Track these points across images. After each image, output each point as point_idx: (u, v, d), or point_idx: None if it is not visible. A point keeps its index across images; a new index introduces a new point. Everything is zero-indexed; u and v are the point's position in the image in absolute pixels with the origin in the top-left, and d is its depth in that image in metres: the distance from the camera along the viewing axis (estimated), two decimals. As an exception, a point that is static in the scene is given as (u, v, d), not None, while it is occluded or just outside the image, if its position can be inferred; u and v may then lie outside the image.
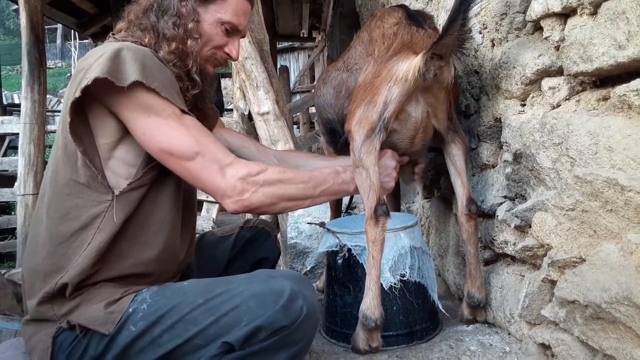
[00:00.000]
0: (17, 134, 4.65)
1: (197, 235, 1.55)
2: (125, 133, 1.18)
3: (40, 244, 1.20)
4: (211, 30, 1.32)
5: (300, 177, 1.30)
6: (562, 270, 1.19)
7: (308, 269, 2.41)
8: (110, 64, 1.09)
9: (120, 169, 1.19)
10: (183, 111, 1.18)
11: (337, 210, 2.28)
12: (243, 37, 1.44)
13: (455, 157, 1.58)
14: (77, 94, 1.09)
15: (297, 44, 15.61)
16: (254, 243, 1.66)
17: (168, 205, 1.26)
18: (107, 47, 1.14)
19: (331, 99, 1.73)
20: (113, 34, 1.32)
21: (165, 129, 1.14)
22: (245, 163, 1.23)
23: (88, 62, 1.14)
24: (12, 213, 5.95)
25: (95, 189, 1.17)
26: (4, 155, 6.99)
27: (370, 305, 1.40)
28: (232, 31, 1.36)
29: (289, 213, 2.66)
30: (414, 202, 2.78)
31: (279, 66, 8.37)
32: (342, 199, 2.32)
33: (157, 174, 1.22)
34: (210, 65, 1.39)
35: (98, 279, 1.18)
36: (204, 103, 1.40)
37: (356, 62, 1.63)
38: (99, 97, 1.14)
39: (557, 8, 1.19)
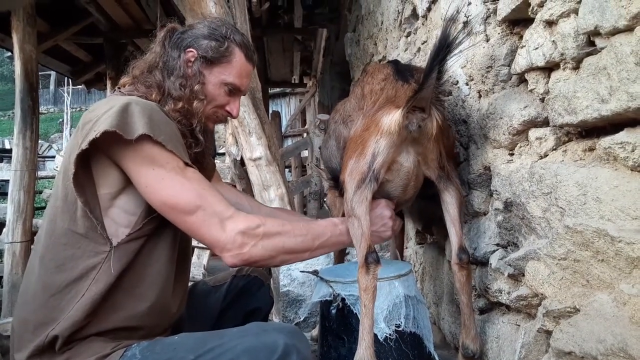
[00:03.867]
0: (7, 180, 4.63)
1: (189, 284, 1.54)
2: (127, 184, 1.19)
3: (31, 294, 1.19)
4: (214, 91, 1.36)
5: (298, 230, 1.30)
6: (557, 321, 1.18)
7: (301, 319, 2.37)
8: (119, 117, 1.12)
9: (121, 217, 1.19)
10: (186, 164, 1.19)
11: (340, 256, 2.27)
12: (244, 95, 1.48)
13: (449, 206, 1.59)
14: (85, 146, 1.11)
15: (288, 90, 15.90)
16: (246, 292, 1.64)
17: (164, 258, 1.26)
18: (116, 101, 1.17)
19: (334, 151, 1.79)
20: (119, 88, 1.35)
21: (167, 182, 1.15)
22: (245, 216, 1.23)
23: (95, 115, 1.16)
24: (-1, 261, 5.84)
25: (93, 239, 1.17)
26: (-7, 201, 6.94)
27: (363, 356, 1.38)
28: (235, 91, 1.40)
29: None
30: (406, 248, 2.78)
31: (270, 111, 8.49)
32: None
33: (155, 226, 1.22)
34: (211, 122, 1.43)
35: (89, 333, 1.16)
36: (204, 158, 1.43)
37: (350, 114, 1.70)
38: (105, 148, 1.15)
39: (541, 62, 1.24)
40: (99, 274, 1.15)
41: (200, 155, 1.38)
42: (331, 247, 1.44)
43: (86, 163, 1.17)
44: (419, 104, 1.40)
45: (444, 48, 1.27)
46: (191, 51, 1.34)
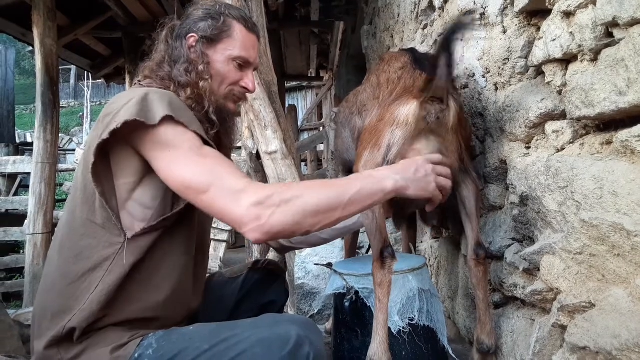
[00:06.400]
0: (29, 173, 4.72)
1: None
2: (145, 174, 1.20)
3: (50, 283, 1.21)
4: (224, 68, 1.36)
5: (320, 187, 1.16)
6: (572, 315, 1.17)
7: (315, 311, 2.39)
8: (139, 107, 1.14)
9: (137, 210, 1.20)
10: (205, 142, 1.19)
11: (352, 249, 2.26)
12: (256, 69, 1.46)
13: (466, 199, 1.57)
14: (105, 136, 1.13)
15: (305, 83, 15.88)
16: (262, 285, 1.65)
17: (179, 252, 1.27)
18: (135, 93, 1.19)
19: (350, 143, 1.77)
20: (139, 81, 1.37)
21: (182, 161, 1.14)
22: (259, 186, 1.13)
23: (116, 107, 1.18)
24: (21, 252, 5.97)
25: (109, 230, 1.19)
26: (15, 194, 7.07)
27: (377, 350, 1.38)
28: (245, 65, 1.40)
29: (296, 252, 2.64)
30: (422, 242, 2.77)
31: (287, 105, 8.49)
32: (357, 238, 2.30)
33: (171, 222, 1.23)
34: (230, 102, 1.41)
35: (106, 323, 1.18)
36: (227, 136, 1.43)
37: (365, 104, 1.67)
38: (126, 138, 1.17)
39: (558, 54, 1.22)
40: (113, 265, 1.17)
41: (223, 134, 1.39)
42: (368, 198, 1.18)
43: (105, 154, 1.19)
44: (436, 94, 1.38)
45: (451, 34, 1.24)
46: (192, 36, 1.36)
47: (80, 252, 1.19)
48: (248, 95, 1.46)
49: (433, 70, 1.31)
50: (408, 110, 1.42)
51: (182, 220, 1.25)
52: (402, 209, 1.74)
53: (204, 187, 1.13)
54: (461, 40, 1.27)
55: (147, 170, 1.20)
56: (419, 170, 1.23)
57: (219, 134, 1.38)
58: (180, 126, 1.16)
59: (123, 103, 1.17)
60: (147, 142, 1.16)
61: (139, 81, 1.38)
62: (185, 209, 1.25)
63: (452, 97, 1.44)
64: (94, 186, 1.16)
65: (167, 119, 1.14)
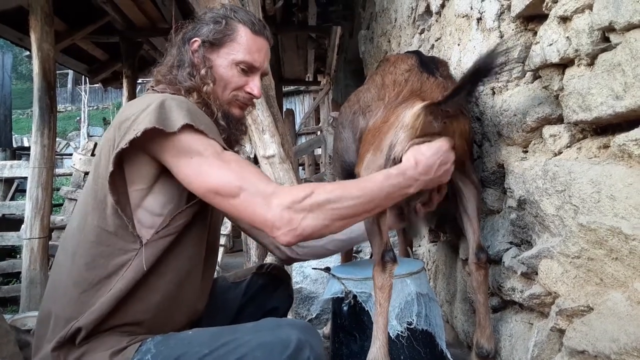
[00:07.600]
0: (26, 177, 4.70)
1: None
2: (155, 181, 1.20)
3: (62, 290, 1.21)
4: (227, 73, 1.35)
5: (351, 192, 1.18)
6: (571, 319, 1.17)
7: (314, 315, 2.38)
8: (157, 114, 1.13)
9: (146, 218, 1.20)
10: (224, 148, 1.19)
11: (348, 254, 2.26)
12: (265, 74, 1.43)
13: (467, 203, 1.56)
14: (124, 145, 1.13)
15: (302, 88, 15.91)
16: (266, 290, 1.64)
17: (192, 255, 1.28)
18: (152, 99, 1.19)
19: (350, 143, 1.74)
20: (152, 87, 1.37)
21: (207, 168, 1.14)
22: (289, 190, 1.16)
23: (132, 113, 1.17)
24: (18, 257, 5.95)
25: (123, 237, 1.18)
26: (12, 198, 7.04)
27: (377, 355, 1.38)
28: (249, 69, 1.37)
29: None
30: (420, 246, 2.77)
31: (284, 109, 8.51)
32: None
33: (184, 223, 1.23)
34: (235, 107, 1.40)
35: (109, 326, 1.18)
36: (235, 143, 1.44)
37: (369, 104, 1.64)
38: (144, 145, 1.16)
39: (555, 59, 1.23)
40: (128, 271, 1.17)
41: (230, 144, 1.39)
42: (390, 202, 1.28)
43: (119, 161, 1.18)
44: (444, 107, 1.38)
45: (481, 73, 1.24)
46: (196, 41, 1.35)
47: (93, 260, 1.18)
48: (255, 100, 1.44)
49: (452, 93, 1.31)
50: (414, 113, 1.41)
51: (196, 223, 1.26)
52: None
53: (234, 192, 1.13)
54: (488, 77, 1.28)
55: (158, 177, 1.20)
56: (440, 167, 1.32)
57: (227, 139, 1.38)
58: (199, 134, 1.16)
59: (140, 109, 1.16)
60: (167, 150, 1.15)
61: (152, 87, 1.38)
62: (199, 211, 1.25)
63: (462, 108, 1.44)
64: (108, 194, 1.16)
65: (187, 127, 1.14)
